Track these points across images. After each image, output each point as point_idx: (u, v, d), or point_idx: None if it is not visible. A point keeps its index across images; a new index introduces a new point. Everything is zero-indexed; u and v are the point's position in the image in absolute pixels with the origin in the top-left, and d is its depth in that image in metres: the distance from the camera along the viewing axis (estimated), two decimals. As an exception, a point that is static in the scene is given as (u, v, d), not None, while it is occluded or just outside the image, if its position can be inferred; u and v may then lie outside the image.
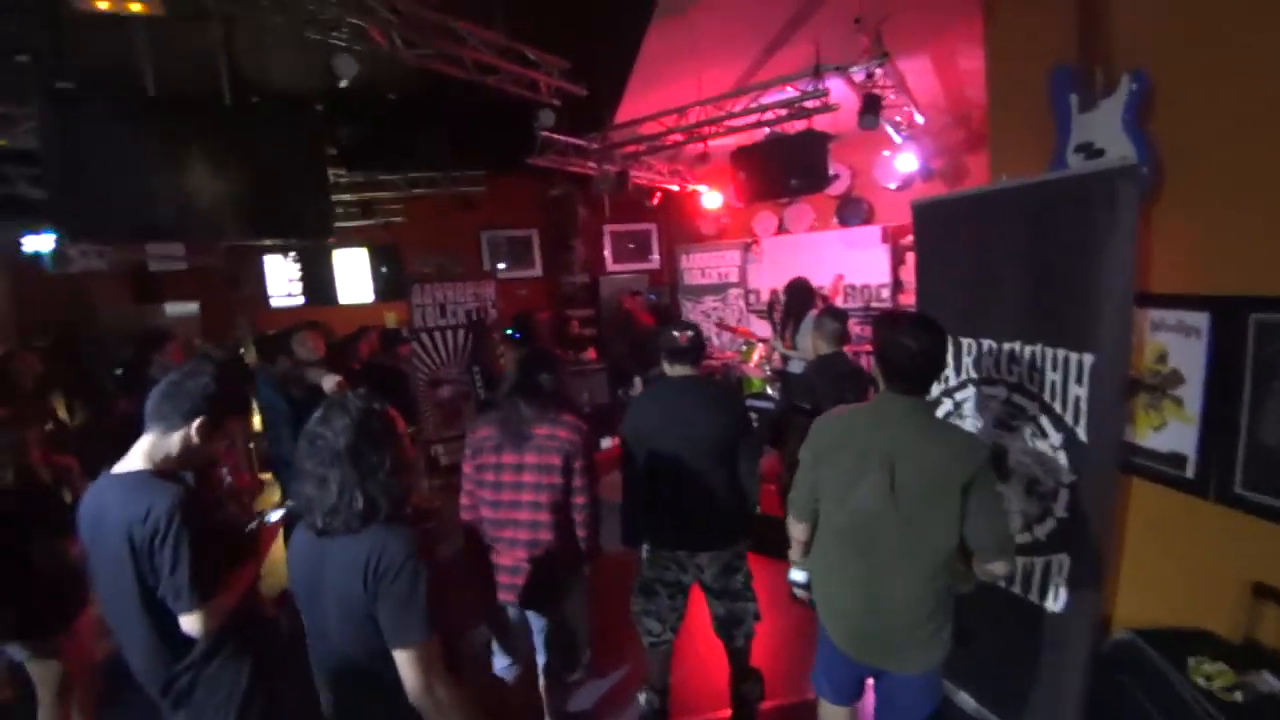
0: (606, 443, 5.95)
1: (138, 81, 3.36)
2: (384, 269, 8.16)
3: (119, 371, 4.58)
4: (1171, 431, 1.98)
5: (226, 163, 3.71)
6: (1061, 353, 2.11)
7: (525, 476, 2.18)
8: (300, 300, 7.88)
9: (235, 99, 3.61)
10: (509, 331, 6.70)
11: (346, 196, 7.04)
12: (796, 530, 1.99)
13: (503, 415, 2.25)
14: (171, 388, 1.63)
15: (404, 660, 1.33)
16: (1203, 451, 1.87)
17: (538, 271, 8.60)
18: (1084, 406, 2.04)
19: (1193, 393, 1.90)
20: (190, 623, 1.54)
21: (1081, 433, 2.05)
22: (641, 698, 2.62)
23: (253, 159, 3.83)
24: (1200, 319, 1.86)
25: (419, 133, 6.19)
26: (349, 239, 7.48)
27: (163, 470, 1.60)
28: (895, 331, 1.68)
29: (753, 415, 3.98)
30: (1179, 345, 1.94)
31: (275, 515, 1.97)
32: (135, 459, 1.61)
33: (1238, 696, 1.56)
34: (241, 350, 6.49)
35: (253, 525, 1.92)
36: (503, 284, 7.29)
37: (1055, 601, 2.12)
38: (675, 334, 2.38)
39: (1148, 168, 1.94)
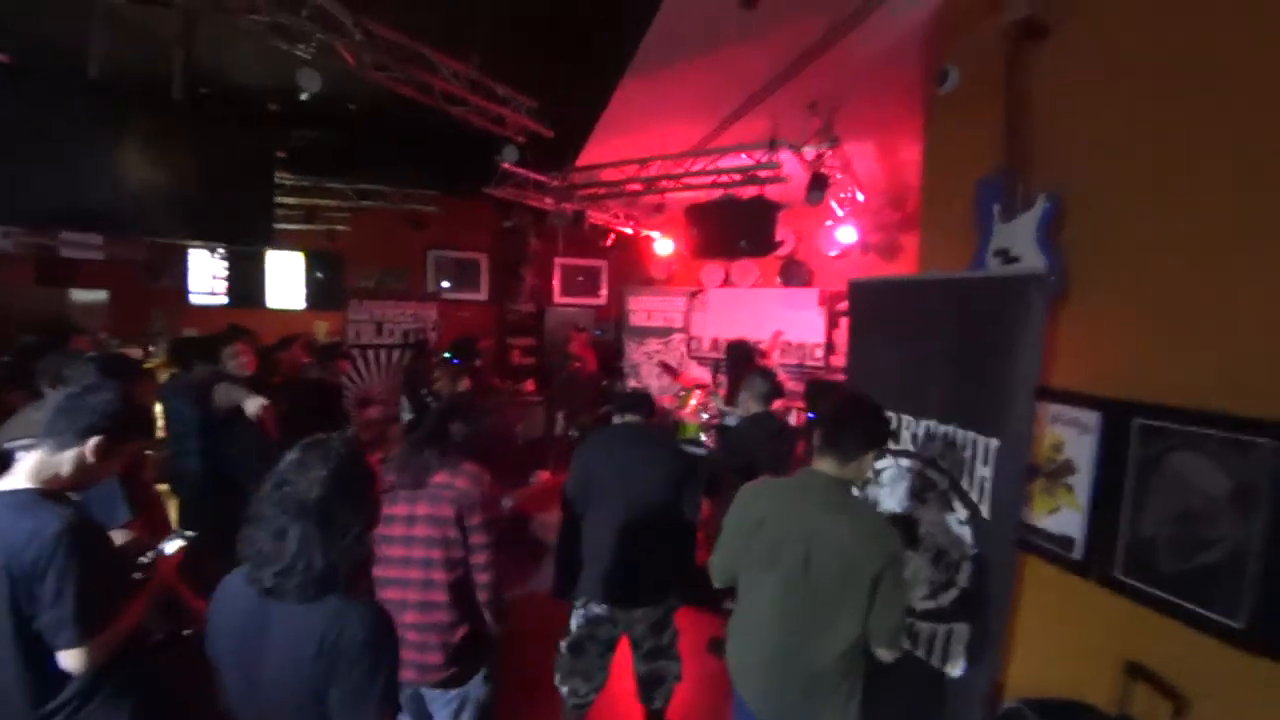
0: (534, 478, 5.88)
1: (81, 62, 3.18)
2: (320, 276, 7.86)
3: (5, 359, 4.17)
4: (1063, 515, 2.17)
5: (167, 156, 3.55)
6: (972, 435, 2.29)
7: (417, 529, 1.96)
8: (223, 300, 7.45)
9: (185, 92, 3.47)
10: (447, 355, 6.57)
11: (289, 200, 6.79)
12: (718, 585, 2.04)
13: (403, 459, 2.05)
14: (71, 401, 1.51)
15: None
16: (1089, 536, 2.06)
17: (483, 296, 8.50)
18: (988, 486, 2.21)
19: (1083, 482, 2.10)
20: (69, 659, 1.41)
21: (985, 510, 2.22)
22: None
23: (195, 154, 3.67)
24: (1092, 417, 2.08)
25: (374, 144, 6.09)
26: (286, 242, 7.17)
27: (51, 491, 1.47)
28: (834, 399, 1.81)
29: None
30: (1073, 438, 2.16)
31: (172, 546, 1.84)
32: (19, 477, 1.47)
33: (1109, 769, 1.71)
34: (152, 349, 6.03)
35: (147, 556, 1.79)
36: (446, 305, 7.16)
37: (955, 668, 2.25)
38: (629, 390, 2.45)
39: (1055, 277, 2.18)
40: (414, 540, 1.95)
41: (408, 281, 7.79)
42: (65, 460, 1.49)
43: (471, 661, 2.02)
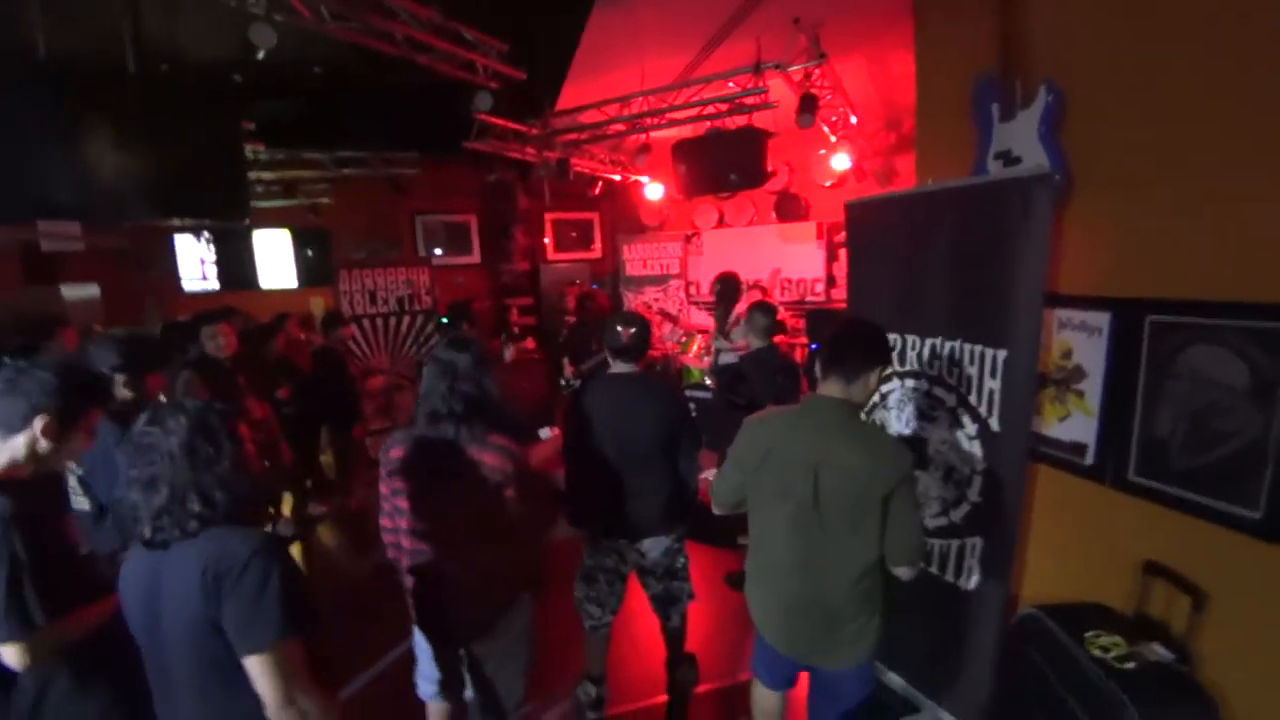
0: (546, 433, 5.90)
1: (28, 45, 3.03)
2: (309, 252, 7.75)
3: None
4: (1074, 422, 2.14)
5: (130, 137, 3.41)
6: (979, 348, 2.23)
7: (445, 505, 1.91)
8: (215, 285, 7.38)
9: (141, 68, 3.31)
10: (443, 320, 6.51)
11: (266, 175, 6.61)
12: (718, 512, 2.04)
13: (420, 437, 1.92)
14: (6, 386, 1.47)
15: (258, 668, 1.19)
16: (1101, 441, 2.03)
17: (475, 259, 8.37)
18: (997, 399, 2.17)
19: (1094, 387, 2.06)
20: (8, 654, 1.36)
21: (995, 423, 2.18)
22: (580, 691, 2.63)
23: (160, 133, 3.53)
24: (1102, 319, 2.01)
25: (346, 110, 5.88)
26: (270, 220, 7.04)
27: (5, 477, 1.44)
28: (838, 324, 1.75)
29: (691, 405, 4.06)
30: (1082, 342, 2.10)
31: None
32: None
33: (1130, 665, 1.71)
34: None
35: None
36: (439, 271, 7.06)
37: (969, 581, 2.26)
38: (619, 329, 2.37)
39: (1060, 176, 2.07)
40: (443, 516, 1.92)
41: (398, 251, 7.67)
42: (17, 445, 1.46)
43: (504, 621, 2.02)
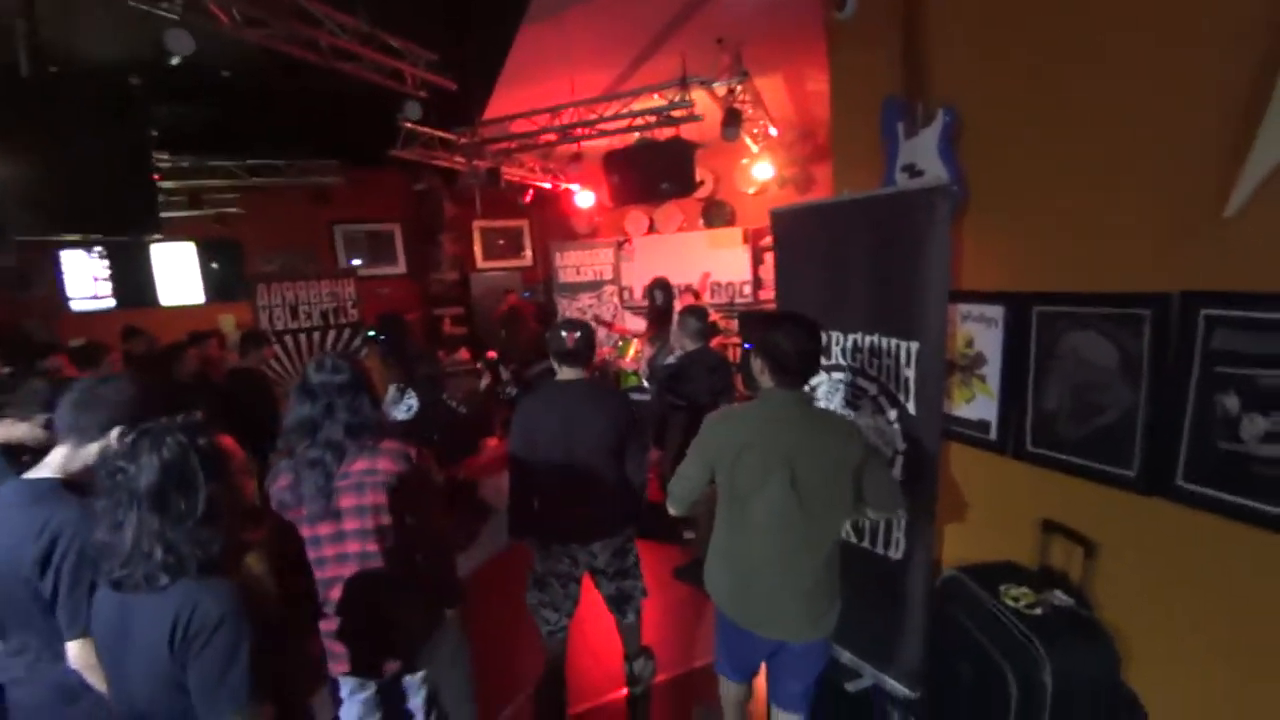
0: (482, 448, 5.85)
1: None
2: (215, 265, 7.31)
3: None
4: (978, 403, 2.41)
5: (19, 144, 3.16)
6: (895, 341, 2.46)
7: (346, 524, 1.79)
8: (110, 303, 6.84)
9: (34, 70, 3.07)
10: (371, 333, 6.31)
11: (168, 184, 6.19)
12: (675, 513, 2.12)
13: (301, 458, 1.78)
14: (85, 394, 1.51)
15: None
16: (1002, 417, 2.30)
17: (401, 268, 8.16)
18: (912, 386, 2.40)
19: (993, 370, 2.33)
20: (71, 650, 1.44)
21: (911, 407, 2.42)
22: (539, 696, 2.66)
23: (54, 140, 3.29)
24: (997, 311, 2.29)
25: (259, 116, 5.61)
26: (172, 232, 6.60)
27: (75, 481, 1.50)
28: (781, 333, 1.83)
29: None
30: (982, 333, 2.37)
31: None
32: (45, 469, 1.51)
33: (1038, 611, 1.95)
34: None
35: None
36: (362, 282, 6.84)
37: (897, 551, 2.49)
38: (564, 335, 2.40)
39: (957, 187, 2.34)
40: (345, 535, 1.80)
41: (315, 262, 7.35)
42: (91, 454, 1.50)
43: (429, 645, 1.97)
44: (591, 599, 2.65)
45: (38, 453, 1.80)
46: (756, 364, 1.91)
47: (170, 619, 1.15)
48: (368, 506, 1.79)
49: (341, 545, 1.81)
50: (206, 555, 1.21)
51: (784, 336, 1.82)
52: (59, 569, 1.40)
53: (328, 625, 1.85)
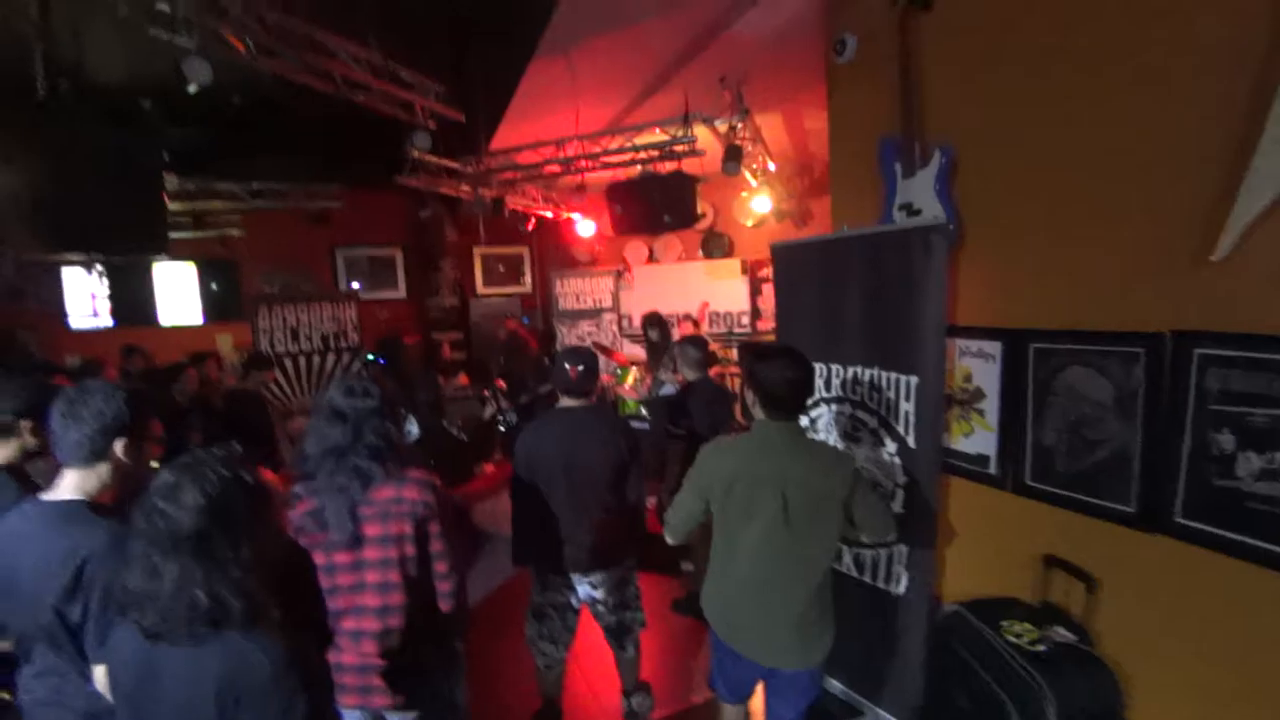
0: (478, 472, 5.81)
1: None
2: (214, 286, 7.33)
3: None
4: (977, 437, 2.43)
5: (32, 162, 3.21)
6: (894, 375, 2.50)
7: (367, 553, 1.73)
8: (108, 321, 6.83)
9: (50, 91, 3.13)
10: (371, 357, 6.32)
11: (174, 206, 6.25)
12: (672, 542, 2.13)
13: (326, 484, 1.73)
14: (69, 410, 1.46)
15: None
16: (1001, 452, 2.33)
17: (401, 293, 8.20)
18: (912, 419, 2.44)
19: (991, 405, 2.36)
20: (98, 674, 1.40)
21: (911, 441, 2.44)
22: None
23: (66, 159, 3.34)
24: (995, 347, 2.33)
25: (267, 140, 5.71)
26: (173, 251, 6.62)
27: (98, 502, 1.48)
28: (770, 365, 1.87)
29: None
30: (980, 368, 2.41)
31: None
32: (64, 490, 1.47)
33: (1040, 648, 1.95)
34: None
35: None
36: (363, 304, 6.87)
37: (898, 586, 2.49)
38: (567, 367, 2.42)
39: (954, 225, 2.40)
40: (364, 564, 1.74)
41: (314, 284, 7.38)
42: (104, 472, 1.49)
43: (440, 678, 1.91)
44: (587, 634, 2.61)
45: (42, 454, 1.81)
46: (749, 396, 1.95)
47: (215, 677, 1.07)
48: (392, 536, 1.72)
49: (359, 574, 1.74)
50: (251, 604, 1.12)
51: (774, 369, 1.86)
52: (88, 595, 1.37)
53: (336, 657, 1.77)
